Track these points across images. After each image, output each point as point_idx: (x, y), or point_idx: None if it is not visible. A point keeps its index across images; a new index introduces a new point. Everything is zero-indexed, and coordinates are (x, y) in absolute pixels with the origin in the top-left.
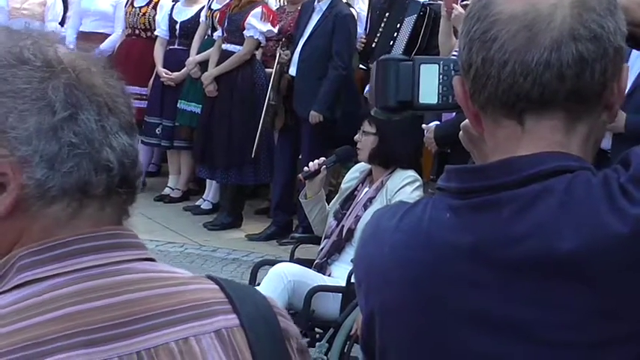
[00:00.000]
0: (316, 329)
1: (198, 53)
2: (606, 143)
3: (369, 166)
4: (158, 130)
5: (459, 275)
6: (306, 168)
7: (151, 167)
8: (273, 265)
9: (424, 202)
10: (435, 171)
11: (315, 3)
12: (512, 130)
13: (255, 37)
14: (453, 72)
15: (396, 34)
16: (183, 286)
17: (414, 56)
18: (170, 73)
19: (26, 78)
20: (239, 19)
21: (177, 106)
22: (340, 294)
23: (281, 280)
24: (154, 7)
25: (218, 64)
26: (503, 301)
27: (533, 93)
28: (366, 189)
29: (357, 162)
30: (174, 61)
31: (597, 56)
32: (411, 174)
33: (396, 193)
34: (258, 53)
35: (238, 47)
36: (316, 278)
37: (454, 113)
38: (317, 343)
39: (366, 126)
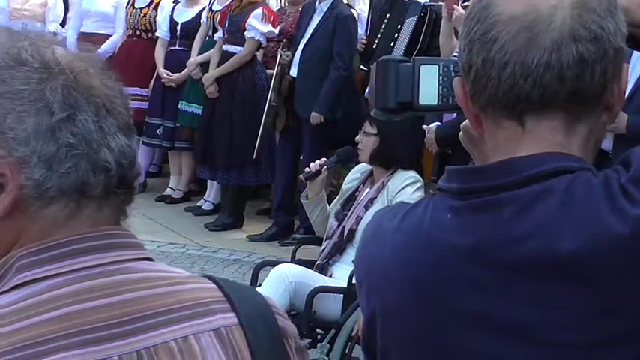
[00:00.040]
0: (318, 330)
1: (199, 54)
2: (607, 144)
3: (370, 166)
4: (159, 131)
5: (460, 276)
6: (307, 169)
7: (152, 168)
8: (274, 265)
9: (425, 202)
10: (436, 172)
11: (316, 4)
12: (513, 131)
13: (256, 38)
14: (452, 73)
15: (396, 35)
16: (181, 285)
17: (413, 57)
18: (171, 74)
19: (24, 79)
20: (240, 20)
21: (179, 107)
22: (341, 295)
23: (282, 280)
24: (155, 8)
25: (219, 65)
26: (503, 301)
27: (534, 94)
28: (367, 190)
29: (358, 163)
30: (175, 62)
31: (597, 57)
32: (412, 175)
33: (397, 194)
34: (259, 54)
35: (239, 48)
36: (317, 279)
37: (455, 114)
38: (318, 344)
39: (367, 127)
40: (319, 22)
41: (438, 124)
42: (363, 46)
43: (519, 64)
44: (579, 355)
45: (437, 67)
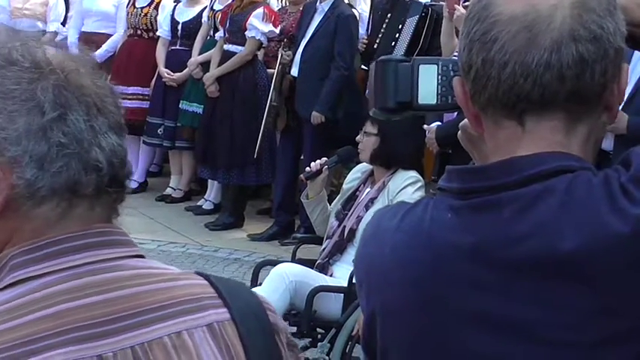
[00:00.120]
0: (318, 329)
1: (200, 54)
2: (608, 144)
3: (370, 166)
4: (160, 131)
5: (460, 275)
6: (307, 168)
7: (153, 167)
8: (274, 265)
9: (425, 202)
10: (437, 171)
11: (317, 4)
12: (513, 131)
13: (257, 38)
14: (451, 72)
15: (397, 35)
16: (173, 281)
17: (412, 57)
18: (172, 73)
19: (15, 79)
20: (241, 19)
21: (179, 106)
22: (342, 294)
23: (283, 280)
24: (156, 8)
25: (220, 64)
26: (504, 301)
27: (534, 94)
28: (368, 189)
29: (358, 162)
30: (176, 61)
31: (597, 57)
32: (412, 174)
33: (397, 193)
34: (260, 54)
35: (240, 48)
36: (318, 278)
37: (455, 114)
38: (319, 344)
39: (368, 126)
40: (320, 21)
41: (439, 123)
42: (364, 46)
43: (519, 63)
44: (580, 354)
45: (436, 66)
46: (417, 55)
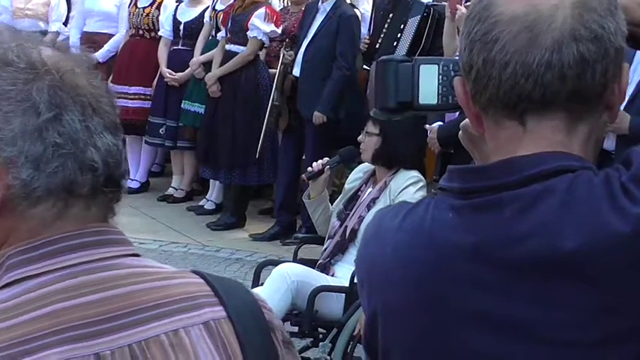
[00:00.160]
0: (319, 329)
1: (202, 54)
2: (610, 144)
3: (372, 166)
4: (162, 131)
5: (462, 275)
6: (309, 168)
7: (155, 167)
8: (276, 265)
9: (426, 202)
10: (439, 171)
11: (319, 4)
12: (514, 131)
13: (259, 38)
14: (452, 72)
15: (399, 35)
16: (168, 280)
17: (413, 57)
18: (174, 73)
19: (10, 80)
20: (242, 19)
21: (181, 106)
22: (343, 294)
23: (284, 280)
24: (158, 8)
25: (222, 64)
26: (505, 300)
27: (535, 94)
28: (370, 189)
29: (360, 162)
30: (178, 61)
31: (598, 57)
32: (414, 174)
33: (399, 193)
34: (262, 54)
35: (242, 48)
36: (319, 278)
37: (457, 113)
38: (320, 343)
39: (370, 126)
40: (322, 21)
41: (441, 123)
42: (366, 46)
43: (520, 63)
44: (581, 353)
45: (436, 66)
46: (418, 55)
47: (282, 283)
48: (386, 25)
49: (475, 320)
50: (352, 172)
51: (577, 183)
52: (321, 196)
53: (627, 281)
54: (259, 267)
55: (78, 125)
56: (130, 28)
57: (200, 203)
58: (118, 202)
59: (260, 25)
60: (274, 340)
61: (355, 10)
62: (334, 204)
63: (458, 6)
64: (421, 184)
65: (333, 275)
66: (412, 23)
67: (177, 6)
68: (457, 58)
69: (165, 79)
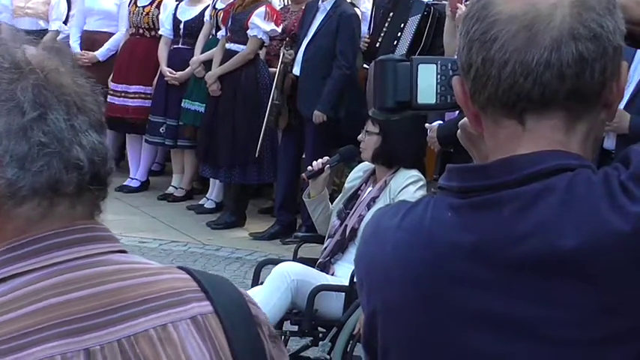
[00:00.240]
0: (319, 328)
1: (202, 52)
2: (610, 144)
3: (372, 165)
4: (162, 129)
5: (461, 274)
6: (309, 167)
7: (155, 166)
8: (276, 264)
9: (426, 201)
10: (439, 170)
11: (319, 2)
12: (513, 130)
13: (259, 37)
14: (450, 72)
15: (399, 34)
16: (156, 276)
17: (411, 56)
18: (174, 72)
19: None
20: (243, 18)
21: (182, 105)
22: (343, 293)
23: (284, 279)
24: (158, 7)
25: (222, 63)
26: (505, 299)
27: (534, 93)
28: (370, 188)
29: (360, 161)
30: (179, 60)
31: (597, 55)
32: (414, 173)
33: (399, 192)
34: (262, 53)
35: (242, 47)
36: (319, 277)
37: (457, 112)
38: (320, 342)
39: (370, 126)
40: (322, 20)
41: (441, 122)
42: (366, 45)
43: (519, 62)
44: (580, 352)
45: (435, 66)
46: (419, 54)
47: (282, 282)
48: (386, 24)
49: (474, 319)
50: (352, 171)
51: (576, 182)
52: (321, 195)
53: (627, 280)
54: (259, 266)
55: (63, 124)
56: (130, 27)
57: (200, 202)
58: (104, 200)
59: (260, 23)
60: (260, 335)
61: (355, 8)
62: (334, 203)
63: (458, 5)
64: (421, 183)
65: (333, 274)
66: (412, 22)
67: (178, 5)
68: (455, 57)
69: (165, 78)
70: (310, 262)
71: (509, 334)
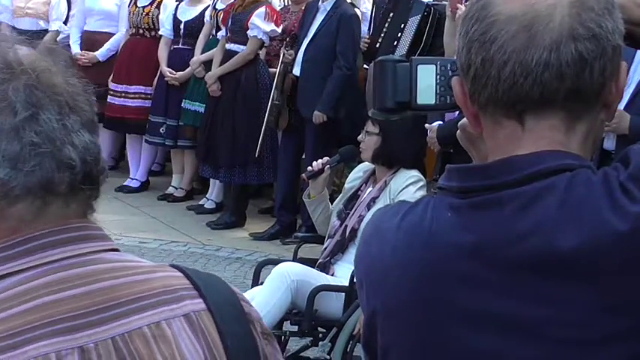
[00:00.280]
0: (319, 329)
1: (202, 53)
2: (611, 144)
3: (372, 165)
4: (162, 130)
5: (461, 274)
6: (309, 168)
7: (155, 166)
8: (276, 264)
9: (425, 201)
10: (439, 170)
11: (320, 3)
12: (513, 130)
13: (259, 37)
14: (450, 72)
15: (400, 35)
16: (149, 274)
17: (411, 57)
18: (174, 72)
19: None
20: (243, 18)
21: (182, 105)
22: (343, 293)
23: (284, 279)
24: (157, 7)
25: (222, 63)
26: (505, 299)
27: (533, 93)
28: (370, 189)
29: (360, 162)
30: (179, 60)
31: (596, 55)
32: (414, 174)
33: (399, 192)
34: (262, 53)
35: (242, 47)
36: (319, 278)
37: (457, 113)
38: (320, 343)
39: (370, 126)
40: (322, 20)
41: (441, 122)
42: (366, 45)
43: (519, 63)
44: (580, 351)
45: (434, 66)
46: (419, 55)
47: (282, 283)
48: (386, 25)
49: (474, 319)
50: (352, 172)
51: (576, 182)
52: (321, 196)
53: (626, 280)
54: (259, 266)
55: (55, 124)
56: (130, 27)
57: (200, 202)
58: (96, 199)
59: (260, 24)
60: (253, 332)
61: (355, 9)
62: (334, 203)
63: (458, 5)
64: (421, 183)
65: (333, 274)
66: (413, 22)
67: (178, 5)
68: (454, 58)
69: (165, 78)
70: (310, 263)
71: (509, 333)
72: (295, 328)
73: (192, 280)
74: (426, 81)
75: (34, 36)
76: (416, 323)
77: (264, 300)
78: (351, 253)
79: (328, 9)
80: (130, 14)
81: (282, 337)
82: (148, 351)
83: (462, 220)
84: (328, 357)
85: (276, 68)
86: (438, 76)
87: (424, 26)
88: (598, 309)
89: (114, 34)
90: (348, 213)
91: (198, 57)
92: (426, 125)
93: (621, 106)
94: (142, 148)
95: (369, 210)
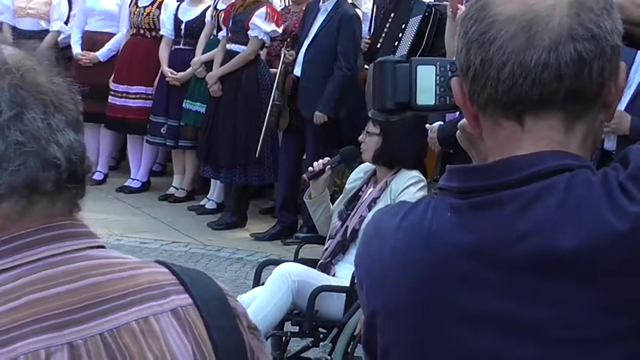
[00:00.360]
0: (320, 329)
1: (203, 53)
2: (611, 145)
3: (373, 166)
4: (163, 130)
5: (461, 274)
6: (310, 168)
7: (156, 167)
8: (277, 264)
9: (426, 201)
10: (439, 171)
11: (320, 3)
12: (512, 131)
13: (260, 37)
14: (449, 73)
15: (400, 35)
16: (136, 270)
17: (410, 58)
18: (175, 72)
19: None
20: (243, 19)
21: (183, 105)
22: (344, 294)
23: (285, 279)
24: (158, 7)
25: (223, 64)
26: (505, 299)
27: (533, 93)
28: (371, 189)
29: (361, 162)
30: (180, 60)
31: (595, 56)
32: (415, 174)
33: (400, 193)
34: (263, 53)
35: (243, 47)
36: (320, 278)
37: (458, 113)
38: (321, 343)
39: (370, 126)
40: (323, 21)
41: (441, 123)
42: (367, 46)
43: (518, 63)
44: (580, 351)
45: (434, 67)
46: (420, 55)
47: (283, 283)
48: (387, 25)
49: (474, 319)
50: (353, 172)
51: (575, 182)
52: (322, 196)
53: (625, 280)
54: (260, 267)
55: (40, 123)
56: (131, 27)
57: (201, 203)
58: (82, 198)
59: (261, 24)
60: (239, 326)
61: (356, 9)
62: (335, 204)
63: (459, 5)
64: (422, 184)
65: (334, 275)
66: (413, 23)
67: (179, 5)
68: (454, 59)
69: (166, 79)
70: (311, 263)
71: (509, 333)
72: (296, 329)
73: (178, 276)
74: (426, 82)
75: (35, 36)
76: (416, 323)
77: (265, 300)
78: (352, 254)
79: (329, 9)
80: (130, 14)
81: (283, 338)
82: (137, 346)
83: (462, 220)
84: (329, 357)
85: (277, 68)
86: (438, 77)
87: (425, 27)
88: (598, 309)
89: (115, 34)
90: (349, 213)
91: (199, 57)
92: (427, 125)
93: (622, 106)
94: (143, 149)
95: (370, 210)
